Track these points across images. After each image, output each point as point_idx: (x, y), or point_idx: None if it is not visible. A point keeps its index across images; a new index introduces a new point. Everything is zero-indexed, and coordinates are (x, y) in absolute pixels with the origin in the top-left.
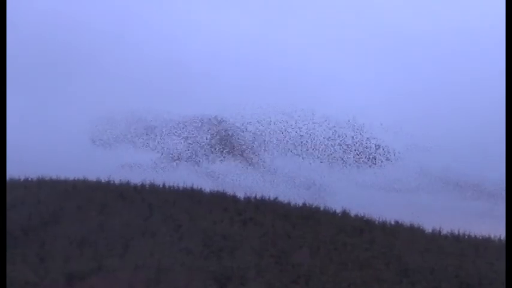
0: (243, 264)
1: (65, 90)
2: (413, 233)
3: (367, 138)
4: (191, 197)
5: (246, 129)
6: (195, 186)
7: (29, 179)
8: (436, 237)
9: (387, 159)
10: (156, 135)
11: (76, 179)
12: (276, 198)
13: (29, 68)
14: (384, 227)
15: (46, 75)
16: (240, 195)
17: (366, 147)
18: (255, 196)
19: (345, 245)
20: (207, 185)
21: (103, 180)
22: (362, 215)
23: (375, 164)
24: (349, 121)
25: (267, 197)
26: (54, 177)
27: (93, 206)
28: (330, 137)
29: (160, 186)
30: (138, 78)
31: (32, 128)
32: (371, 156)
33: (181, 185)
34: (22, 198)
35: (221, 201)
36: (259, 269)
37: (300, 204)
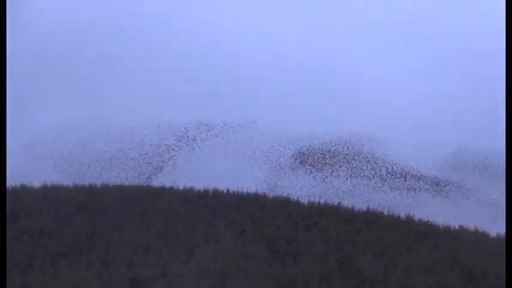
0: (306, 269)
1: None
2: (478, 237)
3: None
4: (255, 202)
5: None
6: (258, 192)
7: (93, 185)
8: (500, 241)
9: None
10: None
11: (140, 184)
12: (340, 203)
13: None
14: (448, 231)
15: None
16: (304, 200)
17: None
18: (319, 201)
19: (409, 250)
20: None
21: (167, 186)
22: (426, 219)
23: None
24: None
25: (331, 202)
26: (118, 183)
27: (157, 211)
28: None
29: (224, 191)
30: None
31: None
32: None
33: (245, 190)
34: (86, 204)
35: (285, 207)
36: (323, 274)
37: (364, 209)
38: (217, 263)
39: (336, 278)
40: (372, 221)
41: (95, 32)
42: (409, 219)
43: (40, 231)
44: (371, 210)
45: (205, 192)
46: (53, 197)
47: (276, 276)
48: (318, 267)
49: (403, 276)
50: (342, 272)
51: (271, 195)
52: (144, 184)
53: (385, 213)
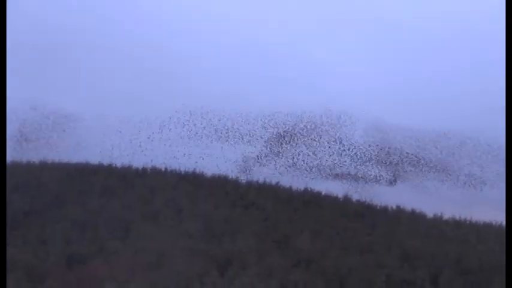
0: (244, 248)
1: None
2: (415, 218)
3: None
4: (193, 180)
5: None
6: (196, 170)
7: (31, 161)
8: (437, 223)
9: None
10: None
11: (78, 162)
12: (278, 182)
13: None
14: (385, 212)
15: None
16: (242, 179)
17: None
18: (257, 180)
19: (346, 229)
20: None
21: (105, 164)
22: (364, 199)
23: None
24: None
25: (269, 182)
26: (56, 160)
27: (95, 189)
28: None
29: (162, 170)
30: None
31: None
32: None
33: (182, 168)
34: (24, 182)
35: (223, 185)
36: (260, 253)
37: (302, 189)
38: (153, 240)
39: (273, 257)
40: (310, 201)
41: None
42: (347, 199)
43: None
44: (309, 190)
45: (144, 170)
46: None
47: (213, 255)
48: (255, 246)
49: (340, 256)
50: (279, 251)
51: (208, 174)
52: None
53: (323, 193)
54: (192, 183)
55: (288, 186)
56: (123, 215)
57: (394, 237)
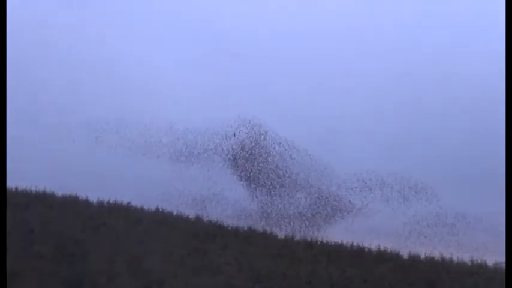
0: (94, 269)
1: None
2: (266, 239)
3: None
4: (43, 200)
5: None
6: (47, 190)
7: None
8: (288, 243)
9: None
10: None
11: None
12: (129, 202)
13: None
14: (236, 233)
15: None
16: (93, 199)
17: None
18: (108, 200)
19: (197, 250)
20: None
21: None
22: (215, 220)
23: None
24: None
25: (120, 202)
26: None
27: None
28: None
29: (13, 190)
30: None
31: None
32: None
33: (33, 188)
34: None
35: (73, 206)
36: (111, 274)
37: (153, 209)
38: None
39: (124, 278)
40: (161, 221)
41: None
42: (198, 220)
43: None
44: (160, 210)
45: None
46: None
47: (63, 276)
48: (106, 268)
49: (191, 277)
50: (130, 272)
51: (60, 193)
52: None
53: (175, 213)
54: (43, 204)
55: (139, 206)
56: None
57: (245, 258)
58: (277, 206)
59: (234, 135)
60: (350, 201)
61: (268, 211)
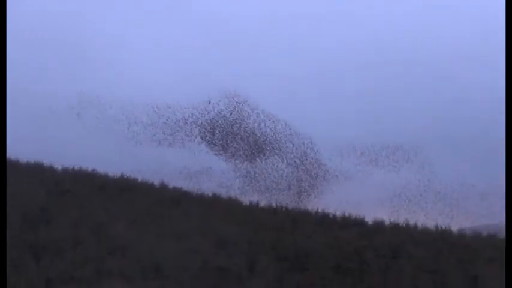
0: (59, 235)
1: None
2: (231, 205)
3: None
4: (7, 167)
5: None
6: (12, 157)
7: None
8: (253, 210)
9: None
10: None
11: None
12: (94, 169)
13: None
14: (201, 199)
15: None
16: (58, 166)
17: None
18: (73, 167)
19: (162, 216)
20: None
21: None
22: (180, 186)
23: None
24: None
25: (85, 168)
26: None
27: None
28: None
29: None
30: None
31: None
32: None
33: None
34: None
35: (38, 173)
36: (76, 241)
37: (118, 176)
38: None
39: (88, 244)
40: (125, 188)
41: None
42: (163, 186)
43: None
44: (125, 177)
45: None
46: None
47: (28, 242)
48: (71, 234)
49: (155, 243)
50: (95, 238)
51: (25, 160)
52: None
53: (139, 179)
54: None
55: (103, 172)
56: None
57: (210, 224)
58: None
59: (210, 102)
60: (327, 169)
61: (244, 180)
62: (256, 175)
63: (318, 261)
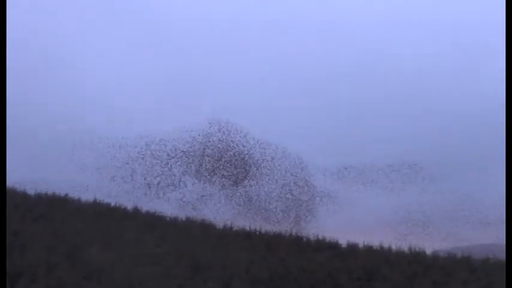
0: (33, 261)
1: None
2: (205, 229)
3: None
4: None
5: None
6: None
7: None
8: (227, 233)
9: None
10: None
11: None
12: (67, 194)
13: None
14: (175, 223)
15: None
16: (31, 192)
17: None
18: (46, 192)
19: (136, 241)
20: None
21: None
22: (153, 211)
23: None
24: None
25: (58, 194)
26: None
27: None
28: None
29: None
30: None
31: None
32: None
33: None
34: None
35: (12, 198)
36: (50, 266)
37: (91, 201)
38: None
39: (63, 269)
40: (99, 212)
41: None
42: (136, 211)
43: None
44: (98, 201)
45: None
46: None
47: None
48: (45, 259)
49: (130, 267)
50: (69, 263)
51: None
52: None
53: (112, 204)
54: None
55: (76, 198)
56: None
57: (184, 248)
58: (240, 198)
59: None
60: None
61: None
62: (242, 199)
63: (292, 285)
